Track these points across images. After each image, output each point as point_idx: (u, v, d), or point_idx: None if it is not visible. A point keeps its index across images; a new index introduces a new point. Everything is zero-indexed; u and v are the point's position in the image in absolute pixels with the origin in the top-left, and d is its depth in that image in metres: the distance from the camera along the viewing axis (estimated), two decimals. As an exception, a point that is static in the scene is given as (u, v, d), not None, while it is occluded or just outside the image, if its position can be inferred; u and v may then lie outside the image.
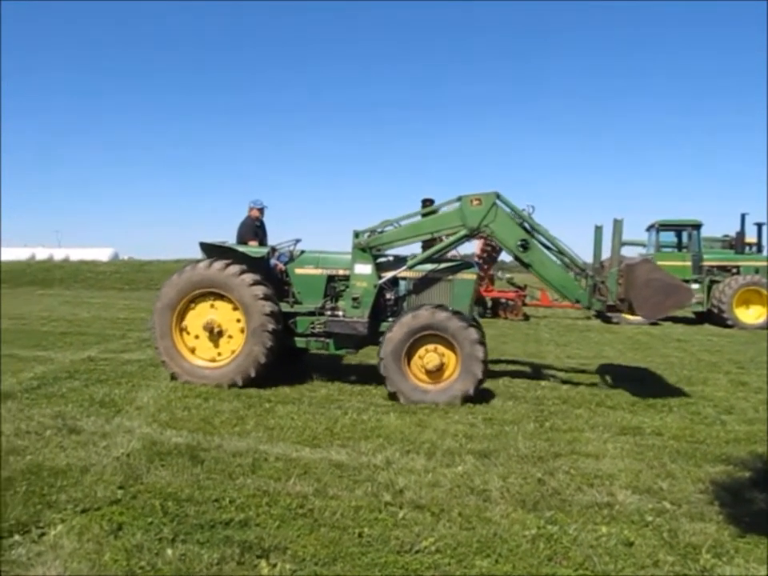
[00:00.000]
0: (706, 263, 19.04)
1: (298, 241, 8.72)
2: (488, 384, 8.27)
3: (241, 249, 8.13)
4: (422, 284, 7.98)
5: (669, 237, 19.87)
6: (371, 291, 7.77)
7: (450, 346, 7.18)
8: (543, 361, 10.66)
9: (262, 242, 8.86)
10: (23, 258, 44.59)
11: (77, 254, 47.41)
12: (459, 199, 7.70)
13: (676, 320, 19.83)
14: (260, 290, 7.60)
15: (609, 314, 18.58)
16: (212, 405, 6.73)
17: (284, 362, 8.50)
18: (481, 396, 7.46)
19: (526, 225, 7.78)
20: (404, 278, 8.02)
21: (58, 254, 51.75)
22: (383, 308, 8.04)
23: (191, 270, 7.81)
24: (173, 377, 7.84)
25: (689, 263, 18.75)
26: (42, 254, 52.67)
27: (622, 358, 11.30)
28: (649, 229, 20.26)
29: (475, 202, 7.60)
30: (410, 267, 7.88)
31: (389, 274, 7.83)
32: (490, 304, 20.36)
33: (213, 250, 8.17)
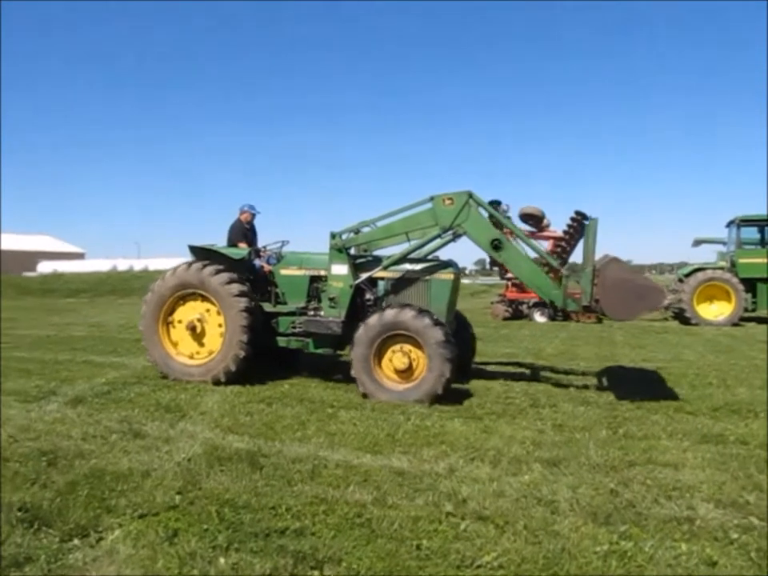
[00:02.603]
0: (791, 260, 17.91)
1: (285, 242, 8.98)
2: (558, 388, 7.98)
3: (222, 251, 8.49)
4: (400, 284, 7.99)
5: (751, 233, 18.83)
6: (347, 291, 7.86)
7: (418, 345, 7.13)
8: (618, 363, 10.20)
9: (252, 245, 9.05)
10: (104, 270, 46.52)
11: (155, 264, 49.08)
12: (431, 199, 7.59)
13: (760, 320, 18.77)
14: (235, 288, 7.90)
15: (687, 316, 17.83)
16: (275, 410, 6.70)
17: (276, 362, 8.93)
18: (547, 400, 7.18)
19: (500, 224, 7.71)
20: (382, 279, 8.05)
21: (138, 265, 53.69)
22: (362, 308, 8.05)
23: (175, 272, 8.26)
24: (163, 375, 8.28)
25: (772, 260, 17.70)
26: (123, 265, 54.80)
27: (702, 360, 10.70)
28: (729, 225, 19.28)
29: (447, 202, 7.51)
30: (385, 268, 7.92)
31: (366, 275, 7.87)
32: (560, 306, 19.81)
33: (199, 253, 8.56)
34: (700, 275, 17.98)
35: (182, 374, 8.15)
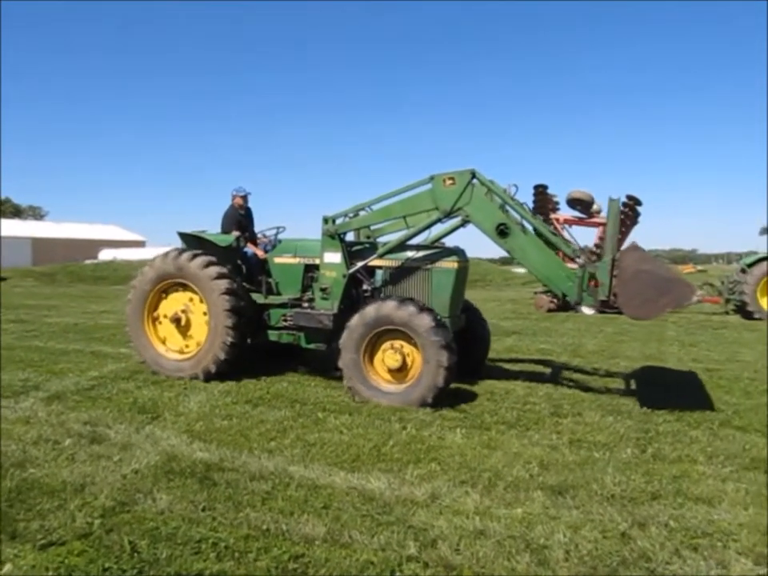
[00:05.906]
0: None
1: (280, 228, 8.42)
2: (587, 393, 7.07)
3: (209, 237, 8.01)
4: (399, 274, 7.23)
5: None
6: (341, 282, 7.18)
7: (409, 338, 6.42)
8: (663, 363, 9.15)
9: (247, 231, 8.45)
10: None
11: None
12: (432, 179, 6.79)
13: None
14: (213, 271, 7.35)
15: (749, 310, 16.36)
16: (258, 413, 6.02)
17: (273, 356, 8.38)
18: (572, 407, 6.29)
19: (508, 207, 6.76)
20: (380, 268, 7.32)
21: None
22: (359, 300, 7.29)
23: (153, 264, 7.75)
24: (155, 373, 7.73)
25: None
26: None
27: (761, 362, 9.48)
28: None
29: (448, 182, 6.71)
30: (381, 255, 7.17)
31: (361, 263, 7.17)
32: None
33: (189, 240, 8.09)
34: (765, 265, 16.49)
35: (174, 370, 7.57)
